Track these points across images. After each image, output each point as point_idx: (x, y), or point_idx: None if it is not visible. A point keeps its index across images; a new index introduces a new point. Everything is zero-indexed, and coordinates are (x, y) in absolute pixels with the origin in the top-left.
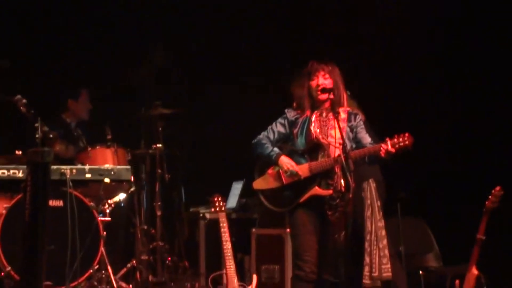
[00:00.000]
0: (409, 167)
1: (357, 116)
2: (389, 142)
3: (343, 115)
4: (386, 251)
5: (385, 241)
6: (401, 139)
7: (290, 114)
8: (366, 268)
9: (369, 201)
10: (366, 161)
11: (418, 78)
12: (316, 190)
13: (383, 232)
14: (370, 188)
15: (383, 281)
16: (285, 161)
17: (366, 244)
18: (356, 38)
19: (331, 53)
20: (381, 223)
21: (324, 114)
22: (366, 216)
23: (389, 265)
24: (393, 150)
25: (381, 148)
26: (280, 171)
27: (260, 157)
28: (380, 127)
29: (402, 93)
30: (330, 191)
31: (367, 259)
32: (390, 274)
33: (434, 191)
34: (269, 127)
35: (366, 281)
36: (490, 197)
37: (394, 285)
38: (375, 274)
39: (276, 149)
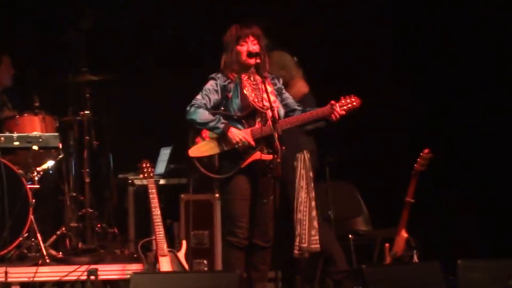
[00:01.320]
0: (338, 131)
1: (280, 79)
2: (337, 105)
3: (269, 79)
4: (315, 223)
5: (314, 213)
6: (348, 101)
7: (220, 79)
8: (297, 239)
9: (303, 171)
10: (305, 127)
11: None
12: (258, 155)
13: (313, 203)
14: (304, 158)
15: (312, 252)
16: (236, 133)
17: (299, 214)
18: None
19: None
20: (312, 194)
21: (252, 78)
22: (298, 185)
23: (317, 237)
24: (343, 112)
25: (332, 112)
26: (219, 138)
27: (199, 126)
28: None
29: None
30: (271, 156)
31: (298, 229)
32: (318, 246)
33: (363, 154)
34: (203, 93)
35: (296, 251)
36: (418, 159)
37: (327, 253)
38: (304, 245)
39: (222, 119)
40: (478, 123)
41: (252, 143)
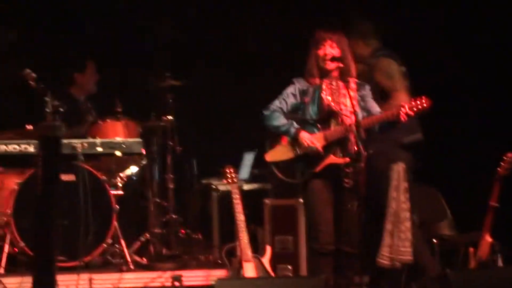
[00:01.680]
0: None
1: (366, 86)
2: (407, 106)
3: (352, 85)
4: (409, 234)
5: (408, 224)
6: (418, 103)
7: (300, 83)
8: (386, 249)
9: (396, 182)
10: (376, 129)
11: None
12: (332, 158)
13: (407, 215)
14: (398, 170)
15: (403, 263)
16: (306, 137)
17: (388, 225)
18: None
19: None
20: (406, 205)
21: (334, 83)
22: (391, 196)
23: (410, 249)
24: (411, 113)
25: (401, 112)
26: (294, 142)
27: (273, 130)
28: None
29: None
30: (346, 159)
31: (387, 240)
32: (410, 258)
33: (447, 159)
34: (280, 98)
35: (385, 261)
36: (502, 163)
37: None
38: (395, 256)
39: (294, 124)
40: None
41: (319, 148)
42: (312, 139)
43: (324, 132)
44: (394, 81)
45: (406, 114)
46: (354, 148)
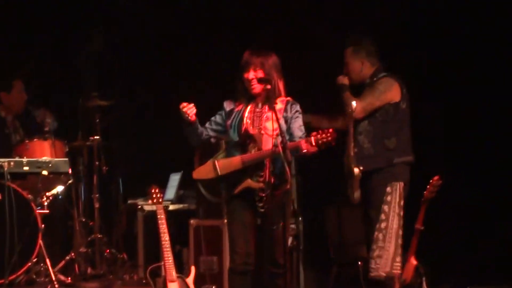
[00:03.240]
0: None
1: (293, 106)
2: (312, 138)
3: (280, 105)
4: (399, 250)
5: (400, 240)
6: (324, 135)
7: (228, 105)
8: (376, 261)
9: (389, 198)
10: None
11: None
12: (248, 182)
13: (401, 232)
14: (396, 189)
15: (392, 276)
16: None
17: (381, 239)
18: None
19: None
20: (401, 222)
21: (259, 105)
22: (382, 210)
23: (400, 263)
24: (319, 144)
25: (303, 145)
26: (215, 162)
27: (189, 139)
28: None
29: None
30: (261, 184)
31: (378, 252)
32: (399, 271)
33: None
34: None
35: (373, 273)
36: (428, 187)
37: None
38: (387, 269)
39: None
40: (489, 144)
41: (185, 111)
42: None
43: (242, 156)
44: (370, 93)
45: (310, 148)
46: (269, 173)
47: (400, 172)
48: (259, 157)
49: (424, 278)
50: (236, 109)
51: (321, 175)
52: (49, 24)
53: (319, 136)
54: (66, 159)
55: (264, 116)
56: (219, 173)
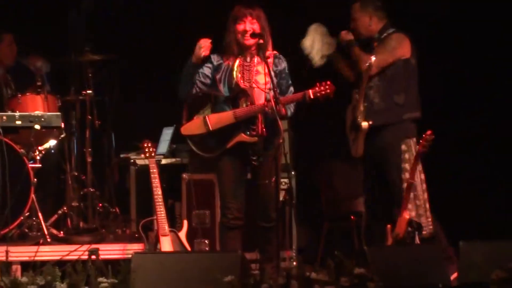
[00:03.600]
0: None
1: (283, 61)
2: (311, 91)
3: (270, 60)
4: (427, 205)
5: (426, 196)
6: (322, 88)
7: (215, 59)
8: (421, 220)
9: (407, 155)
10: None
11: None
12: (242, 136)
13: (424, 186)
14: (411, 145)
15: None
16: (196, 49)
17: (412, 197)
18: None
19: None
20: (423, 176)
21: (248, 59)
22: (404, 168)
23: (430, 219)
24: (315, 97)
25: (305, 97)
26: (206, 117)
27: (183, 85)
28: None
29: None
30: (254, 138)
31: (416, 211)
32: (432, 229)
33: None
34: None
35: (425, 232)
36: (421, 141)
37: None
38: (430, 226)
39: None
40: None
41: (202, 45)
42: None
43: (234, 110)
44: (385, 48)
45: (310, 98)
46: (261, 126)
47: (410, 128)
48: (252, 111)
49: (416, 232)
50: (225, 63)
51: (314, 130)
52: None
53: (317, 89)
54: (59, 113)
55: (254, 69)
56: (210, 128)
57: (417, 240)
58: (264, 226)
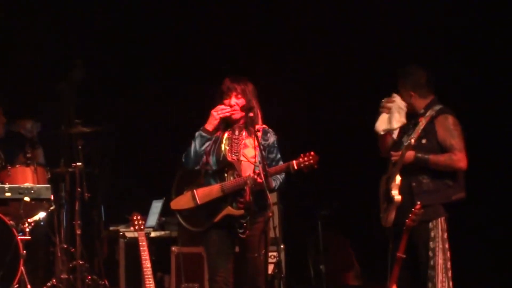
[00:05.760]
0: (331, 185)
1: (270, 135)
2: (294, 162)
3: (258, 133)
4: (451, 283)
5: (450, 273)
6: (306, 158)
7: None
8: None
9: (432, 233)
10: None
11: None
12: (229, 210)
13: (449, 264)
14: (438, 223)
15: None
16: (211, 119)
17: (435, 276)
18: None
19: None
20: (448, 255)
21: (236, 132)
22: (430, 247)
23: None
24: (297, 168)
25: (289, 169)
26: (194, 191)
27: (196, 156)
28: None
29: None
30: (241, 211)
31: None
32: None
33: (356, 208)
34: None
35: None
36: (410, 215)
37: None
38: None
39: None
40: None
41: (227, 110)
42: (214, 112)
43: (221, 184)
44: (457, 140)
45: (293, 170)
46: (249, 199)
47: (441, 207)
48: (238, 184)
49: None
50: (214, 136)
51: (303, 203)
52: (30, 49)
53: (301, 159)
54: (48, 185)
55: (242, 142)
56: (198, 202)
57: None
58: None
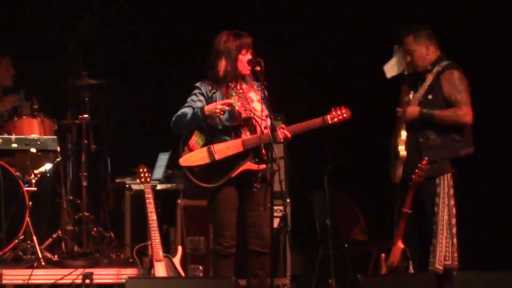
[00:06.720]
0: (338, 140)
1: (264, 89)
2: (328, 117)
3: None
4: (455, 240)
5: (454, 230)
6: (339, 112)
7: (207, 88)
8: (432, 254)
9: (438, 189)
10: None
11: None
12: (249, 165)
13: (454, 220)
14: (445, 179)
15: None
16: (210, 107)
17: (439, 232)
18: None
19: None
20: (453, 212)
21: (238, 87)
22: (436, 202)
23: (456, 254)
24: (333, 123)
25: (323, 123)
26: (212, 147)
27: (184, 128)
28: None
29: None
30: (261, 165)
31: (433, 246)
32: (457, 263)
33: (362, 164)
34: (187, 105)
35: (431, 267)
36: (416, 170)
37: None
38: (448, 262)
39: (196, 107)
40: None
41: (230, 101)
42: (215, 104)
43: (242, 139)
44: (462, 95)
45: (328, 124)
46: (264, 155)
47: (447, 164)
48: (261, 140)
49: (411, 262)
50: (219, 92)
51: (310, 158)
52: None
53: (334, 113)
54: (55, 137)
55: (248, 97)
56: (216, 158)
57: (411, 270)
58: (258, 251)
